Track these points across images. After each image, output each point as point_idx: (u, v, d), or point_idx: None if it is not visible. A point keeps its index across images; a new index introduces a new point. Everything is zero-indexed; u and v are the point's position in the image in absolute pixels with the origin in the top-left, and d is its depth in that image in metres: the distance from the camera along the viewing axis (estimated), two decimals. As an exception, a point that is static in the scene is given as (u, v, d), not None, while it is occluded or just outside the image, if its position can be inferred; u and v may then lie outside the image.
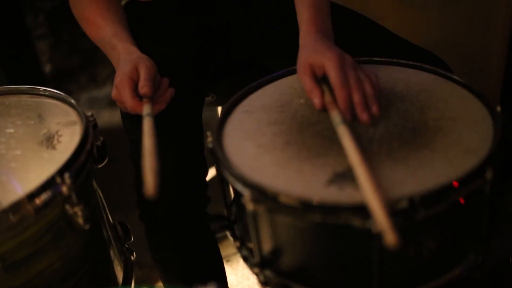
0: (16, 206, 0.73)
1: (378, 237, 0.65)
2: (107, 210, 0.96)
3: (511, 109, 0.93)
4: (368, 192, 0.66)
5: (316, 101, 0.85)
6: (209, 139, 0.82)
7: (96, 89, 2.46)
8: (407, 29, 1.22)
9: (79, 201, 0.79)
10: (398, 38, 1.11)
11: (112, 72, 0.99)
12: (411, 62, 0.95)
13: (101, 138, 0.89)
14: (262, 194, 0.71)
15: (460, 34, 1.58)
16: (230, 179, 0.76)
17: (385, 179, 0.71)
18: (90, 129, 0.87)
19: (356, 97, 0.82)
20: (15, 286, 0.78)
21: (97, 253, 0.91)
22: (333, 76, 0.83)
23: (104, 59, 1.10)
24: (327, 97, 0.84)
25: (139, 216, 1.01)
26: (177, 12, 1.17)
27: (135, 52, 0.98)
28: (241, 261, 1.55)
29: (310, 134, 0.82)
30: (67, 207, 0.79)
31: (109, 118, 2.22)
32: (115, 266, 0.96)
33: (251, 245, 0.80)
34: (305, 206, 0.69)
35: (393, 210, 0.65)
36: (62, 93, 0.96)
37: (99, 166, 0.90)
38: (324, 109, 0.84)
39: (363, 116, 0.81)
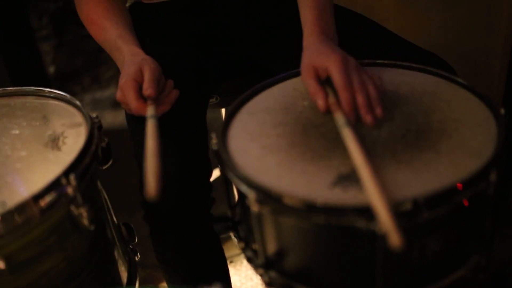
0: (22, 207, 0.73)
1: (382, 238, 0.65)
2: (112, 211, 0.97)
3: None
4: (372, 194, 0.67)
5: (320, 103, 0.85)
6: (214, 140, 0.82)
7: (99, 90, 2.46)
8: (410, 31, 1.22)
9: (84, 202, 0.79)
10: (401, 40, 1.11)
11: (116, 73, 0.99)
12: (414, 65, 0.95)
13: (106, 140, 0.90)
14: (266, 195, 0.72)
15: (462, 36, 1.58)
16: (235, 180, 0.76)
17: (389, 180, 0.71)
18: (95, 130, 0.87)
19: (360, 99, 0.83)
20: (21, 286, 0.78)
21: (102, 254, 0.91)
22: (337, 78, 0.84)
23: (107, 60, 1.11)
24: (331, 99, 0.84)
25: (143, 217, 1.01)
26: (182, 14, 1.17)
27: (140, 54, 0.98)
28: (244, 262, 1.55)
29: (314, 136, 0.82)
30: (72, 208, 0.79)
31: (113, 119, 2.23)
32: (119, 267, 0.96)
33: (255, 246, 0.80)
34: (309, 208, 0.69)
35: (397, 212, 0.65)
36: (67, 95, 0.97)
37: (104, 167, 0.90)
38: (328, 111, 0.85)
39: (367, 118, 0.82)
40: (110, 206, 0.96)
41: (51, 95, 0.99)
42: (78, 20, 1.09)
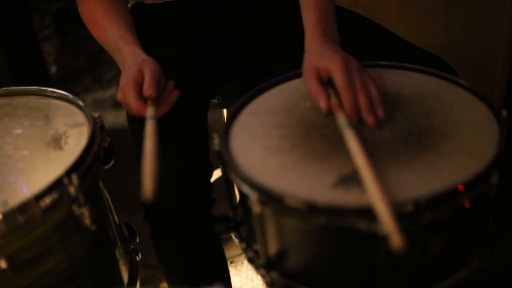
0: (24, 207, 0.74)
1: (383, 240, 0.65)
2: (113, 211, 0.97)
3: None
4: (374, 195, 0.67)
5: (322, 104, 0.85)
6: (216, 141, 0.82)
7: (101, 90, 2.47)
8: (412, 32, 1.22)
9: (86, 202, 0.79)
10: (403, 41, 1.11)
11: (118, 73, 0.99)
12: (416, 66, 0.95)
13: (108, 140, 0.90)
14: (268, 196, 0.72)
15: (464, 38, 1.58)
16: (237, 181, 0.76)
17: (390, 182, 0.71)
18: (97, 130, 0.87)
19: (362, 100, 0.83)
20: (22, 286, 0.78)
21: (103, 254, 0.91)
22: (339, 79, 0.84)
23: (109, 60, 1.11)
24: (333, 101, 0.85)
25: (144, 217, 1.01)
26: (184, 15, 1.17)
27: (141, 55, 0.98)
28: (245, 262, 1.56)
29: (317, 137, 0.83)
30: (74, 207, 0.79)
31: (114, 119, 2.23)
32: (120, 267, 0.96)
33: (257, 246, 0.80)
34: (311, 209, 0.69)
35: (399, 213, 0.65)
36: (70, 95, 0.97)
37: (106, 167, 0.90)
38: (330, 112, 0.85)
39: (369, 119, 0.82)
40: (112, 206, 0.96)
41: (54, 95, 0.99)
42: (80, 21, 1.09)
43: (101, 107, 2.39)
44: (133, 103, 0.89)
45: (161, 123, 0.86)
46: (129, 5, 1.23)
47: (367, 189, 0.68)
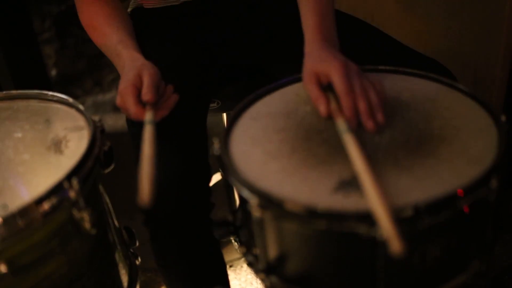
0: (24, 211, 0.74)
1: (383, 244, 0.65)
2: (113, 215, 0.97)
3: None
4: (373, 200, 0.67)
5: (322, 108, 0.85)
6: (216, 145, 0.83)
7: (101, 93, 2.47)
8: (411, 38, 1.23)
9: (86, 205, 0.80)
10: (402, 46, 1.11)
11: (117, 77, 0.99)
12: (416, 71, 0.95)
13: (108, 143, 0.90)
14: (268, 201, 0.72)
15: (463, 43, 1.59)
16: (237, 185, 0.76)
17: (390, 187, 0.71)
18: (97, 134, 0.87)
19: (362, 105, 0.83)
20: (22, 289, 0.79)
21: (103, 257, 0.91)
22: (338, 84, 0.84)
23: (109, 64, 1.11)
24: (333, 105, 0.85)
25: (143, 221, 1.01)
26: (183, 19, 1.18)
27: (139, 59, 0.98)
28: (244, 266, 1.56)
29: (317, 141, 0.83)
30: (75, 211, 0.79)
31: (114, 122, 2.24)
32: (120, 270, 0.96)
33: (256, 251, 0.80)
34: (311, 213, 0.69)
35: (398, 218, 0.65)
36: (70, 98, 0.97)
37: (106, 171, 0.90)
38: (330, 117, 0.85)
39: (369, 124, 0.82)
40: (111, 210, 0.96)
41: (54, 98, 0.99)
42: (80, 24, 1.10)
43: (101, 110, 2.39)
44: (132, 108, 0.89)
45: (160, 127, 0.86)
46: (129, 9, 1.24)
47: (366, 193, 0.69)
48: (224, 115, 1.38)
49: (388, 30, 1.15)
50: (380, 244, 0.67)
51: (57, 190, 0.76)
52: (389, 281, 0.73)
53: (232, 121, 0.90)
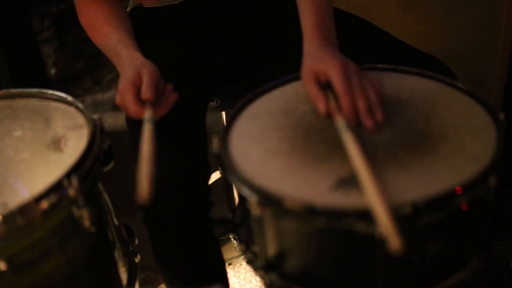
0: (24, 209, 0.74)
1: (382, 242, 0.66)
2: (113, 213, 0.97)
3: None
4: (372, 198, 0.67)
5: (321, 107, 0.85)
6: (215, 144, 0.83)
7: (100, 92, 2.47)
8: (410, 36, 1.22)
9: (86, 203, 0.80)
10: (402, 43, 1.11)
11: (117, 75, 1.00)
12: (415, 69, 0.95)
13: (108, 142, 0.90)
14: (267, 198, 0.72)
15: (462, 41, 1.59)
16: (236, 183, 0.76)
17: (389, 185, 0.71)
18: (97, 132, 0.87)
19: (361, 104, 0.83)
20: (22, 288, 0.79)
21: (103, 255, 0.91)
22: (337, 83, 0.84)
23: (108, 63, 1.11)
24: (332, 104, 0.85)
25: (142, 220, 1.02)
26: (182, 18, 1.18)
27: (139, 58, 0.98)
28: (243, 264, 1.56)
29: (316, 140, 0.83)
30: (74, 209, 0.79)
31: (113, 121, 2.24)
32: (119, 268, 0.96)
33: (256, 248, 0.81)
34: (310, 211, 0.69)
35: (397, 216, 0.66)
36: (70, 97, 0.97)
37: (105, 169, 0.90)
38: (329, 115, 0.85)
39: (368, 123, 0.82)
40: (111, 208, 0.96)
41: (54, 97, 0.99)
42: (80, 23, 1.10)
43: (101, 109, 2.40)
44: (131, 107, 0.89)
45: (160, 125, 0.87)
46: (128, 9, 1.24)
47: (365, 191, 0.69)
48: (223, 113, 1.38)
49: (387, 29, 1.15)
50: (379, 242, 0.67)
51: (57, 188, 0.77)
52: (388, 279, 0.73)
53: (231, 119, 0.90)
